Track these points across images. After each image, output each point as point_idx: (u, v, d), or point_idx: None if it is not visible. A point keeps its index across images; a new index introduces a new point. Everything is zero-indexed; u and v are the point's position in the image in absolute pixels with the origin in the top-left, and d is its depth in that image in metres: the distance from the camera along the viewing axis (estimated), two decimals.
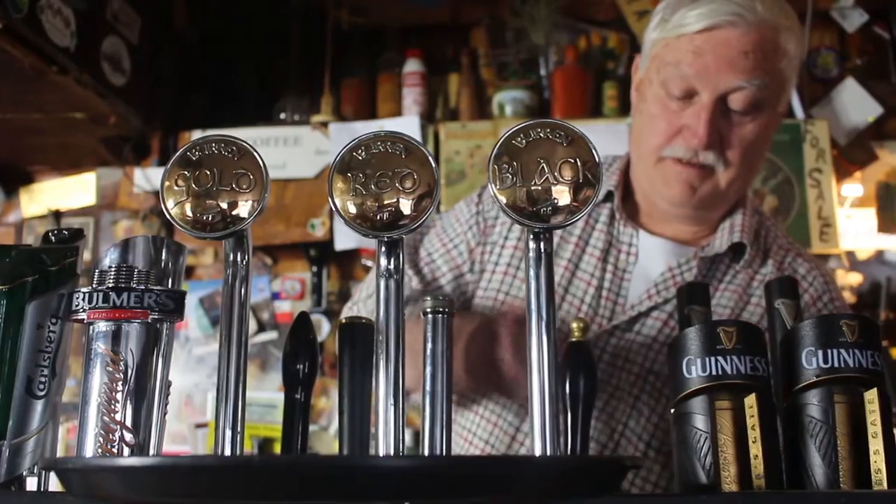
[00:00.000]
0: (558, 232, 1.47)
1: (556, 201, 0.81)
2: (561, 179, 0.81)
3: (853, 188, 3.24)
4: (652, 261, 1.48)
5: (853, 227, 3.21)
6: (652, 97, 1.44)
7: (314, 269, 3.27)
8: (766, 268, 1.48)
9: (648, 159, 1.45)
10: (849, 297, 3.18)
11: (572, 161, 0.82)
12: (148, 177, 3.36)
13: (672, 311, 1.43)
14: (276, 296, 3.30)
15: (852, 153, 3.24)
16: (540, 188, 0.81)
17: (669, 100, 1.40)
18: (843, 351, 0.86)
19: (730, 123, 1.37)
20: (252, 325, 3.12)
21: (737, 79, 1.34)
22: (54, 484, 0.90)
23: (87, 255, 0.95)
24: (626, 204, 1.54)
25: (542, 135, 0.83)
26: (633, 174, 1.54)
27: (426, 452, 0.86)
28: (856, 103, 3.22)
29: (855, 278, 3.24)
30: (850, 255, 3.23)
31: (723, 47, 1.34)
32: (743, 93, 1.34)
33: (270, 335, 3.27)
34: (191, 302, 3.18)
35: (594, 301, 1.46)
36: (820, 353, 0.86)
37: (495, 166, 0.82)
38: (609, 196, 1.52)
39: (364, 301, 1.56)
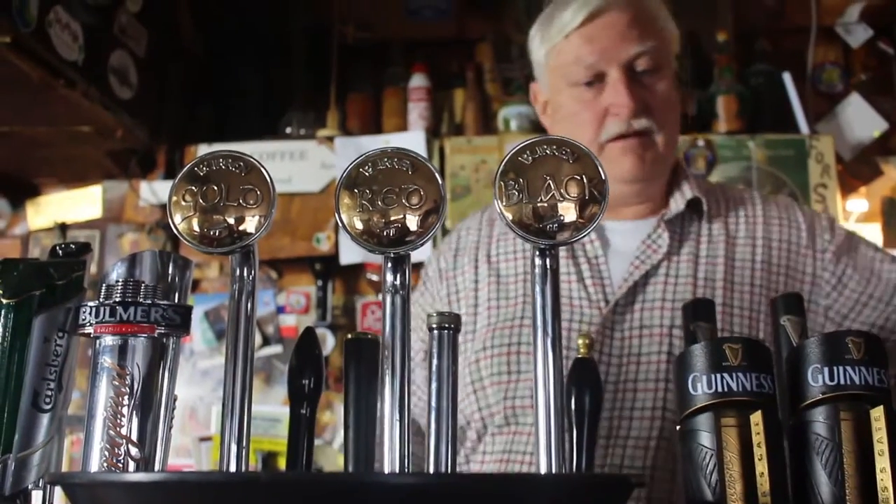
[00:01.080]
0: (514, 253, 1.57)
1: (562, 218, 0.81)
2: (567, 196, 0.81)
3: (858, 203, 3.24)
4: (623, 240, 1.54)
5: None
6: (566, 100, 1.52)
7: (319, 283, 3.27)
8: (742, 210, 1.57)
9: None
10: None
11: (578, 178, 0.82)
12: (154, 190, 3.37)
13: (667, 273, 1.48)
14: (280, 309, 3.31)
15: (857, 168, 3.24)
16: (546, 205, 0.81)
17: (583, 91, 1.48)
18: (849, 368, 0.86)
19: (644, 89, 1.47)
20: (257, 338, 3.12)
21: (633, 47, 1.45)
22: (59, 498, 0.90)
23: (92, 269, 0.96)
24: None
25: (548, 151, 0.83)
26: None
27: (432, 469, 0.86)
28: (861, 118, 3.23)
29: None
30: None
31: (609, 28, 1.46)
32: (644, 57, 1.45)
33: (275, 349, 3.27)
34: (196, 315, 3.18)
35: (581, 292, 1.49)
36: (826, 370, 0.86)
37: (501, 183, 0.82)
38: None
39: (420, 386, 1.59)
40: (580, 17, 1.47)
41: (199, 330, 3.28)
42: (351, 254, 3.15)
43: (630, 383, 1.41)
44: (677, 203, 1.54)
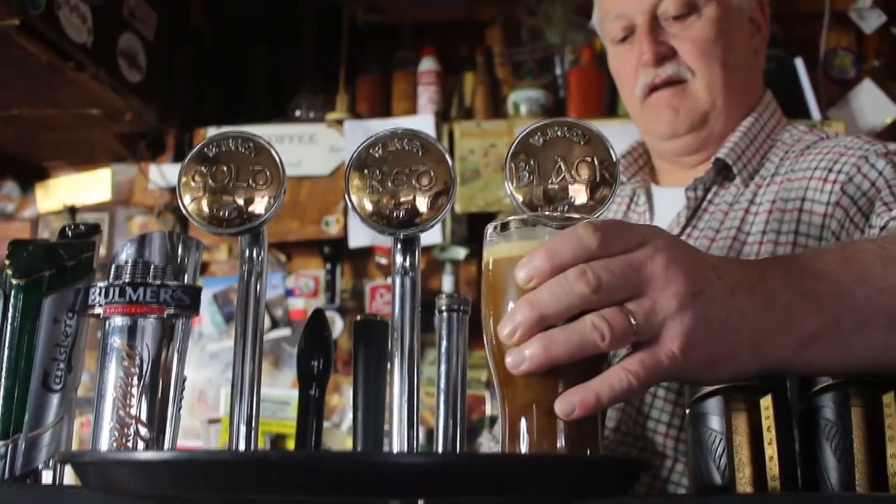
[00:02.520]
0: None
1: (572, 200, 0.80)
2: (578, 178, 0.81)
3: None
4: (665, 208, 1.45)
5: None
6: (612, 61, 1.49)
7: (328, 266, 3.27)
8: (771, 163, 1.39)
9: (636, 110, 1.46)
10: None
11: (589, 160, 0.82)
12: (163, 173, 3.37)
13: (706, 227, 1.36)
14: (289, 293, 3.31)
15: None
16: (557, 187, 0.81)
17: (620, 48, 1.44)
18: None
19: (676, 33, 1.38)
20: (266, 321, 3.12)
21: None
22: (69, 477, 0.90)
23: (102, 251, 0.96)
24: (652, 172, 1.55)
25: (559, 133, 0.83)
26: (644, 139, 1.55)
27: (440, 450, 0.86)
28: (873, 105, 3.20)
29: None
30: None
31: None
32: (669, 1, 1.37)
33: (284, 332, 3.27)
34: (205, 298, 3.19)
35: None
36: None
37: (512, 164, 0.82)
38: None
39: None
40: None
41: (208, 313, 3.29)
42: (360, 237, 3.15)
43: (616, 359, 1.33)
44: (706, 165, 1.42)
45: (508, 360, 0.74)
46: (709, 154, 1.43)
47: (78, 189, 3.59)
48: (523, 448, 0.74)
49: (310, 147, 3.23)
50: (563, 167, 0.81)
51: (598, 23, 1.53)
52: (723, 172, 1.41)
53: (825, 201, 1.27)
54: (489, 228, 0.84)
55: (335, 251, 3.26)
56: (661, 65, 1.38)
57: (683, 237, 1.38)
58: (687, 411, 0.90)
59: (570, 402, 0.72)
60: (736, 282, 0.75)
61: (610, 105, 3.24)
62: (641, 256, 0.73)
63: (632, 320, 0.71)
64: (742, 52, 1.45)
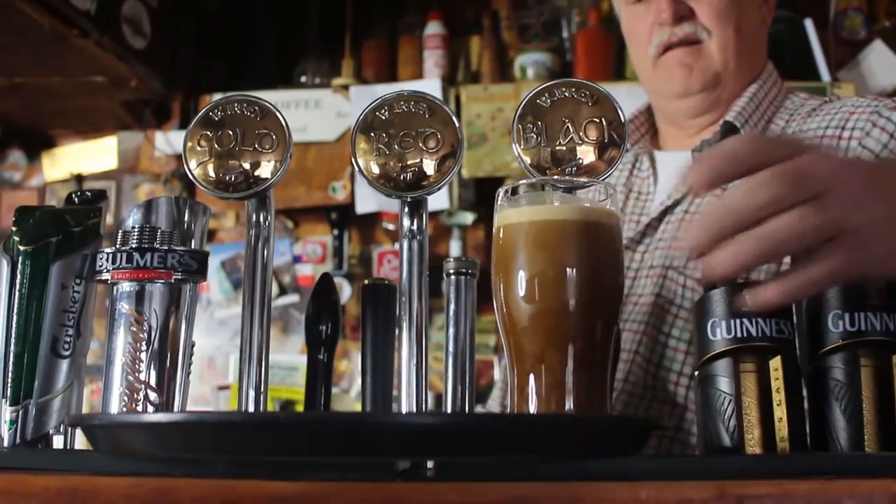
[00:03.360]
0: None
1: (580, 161, 0.80)
2: (586, 139, 0.80)
3: None
4: (673, 172, 1.45)
5: None
6: (625, 21, 1.49)
7: (335, 232, 3.27)
8: (786, 127, 1.42)
9: (648, 70, 1.45)
10: None
11: (597, 121, 0.81)
12: (169, 140, 3.37)
13: (686, 210, 1.38)
14: (297, 259, 3.31)
15: None
16: (564, 148, 0.80)
17: (634, 8, 1.44)
18: (870, 314, 0.85)
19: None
20: (274, 288, 3.13)
21: None
22: (80, 443, 0.91)
23: (109, 219, 0.96)
24: (654, 139, 1.55)
25: (566, 94, 0.82)
26: (652, 102, 1.55)
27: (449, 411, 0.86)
28: (884, 66, 3.17)
29: None
30: None
31: None
32: None
33: (292, 298, 3.28)
34: (212, 265, 3.19)
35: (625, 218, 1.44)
36: (847, 315, 0.85)
37: (519, 126, 0.81)
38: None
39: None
40: None
41: (216, 280, 3.30)
42: (367, 202, 3.14)
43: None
44: (713, 128, 1.43)
45: (708, 271, 0.77)
46: (716, 117, 1.44)
47: (84, 157, 3.59)
48: (532, 408, 0.74)
49: (316, 113, 3.22)
50: (570, 128, 0.81)
51: None
52: (729, 135, 1.40)
53: None
54: (499, 193, 0.84)
55: (342, 217, 3.25)
56: (678, 24, 1.38)
57: (691, 199, 1.38)
58: (696, 373, 0.90)
59: (766, 292, 0.78)
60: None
61: (617, 68, 3.22)
62: (813, 159, 0.76)
63: (817, 218, 0.74)
64: (753, 20, 1.46)
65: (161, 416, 0.73)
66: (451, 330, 0.90)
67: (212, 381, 3.23)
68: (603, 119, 0.81)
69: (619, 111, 0.81)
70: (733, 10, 1.41)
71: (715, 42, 1.39)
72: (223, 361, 3.26)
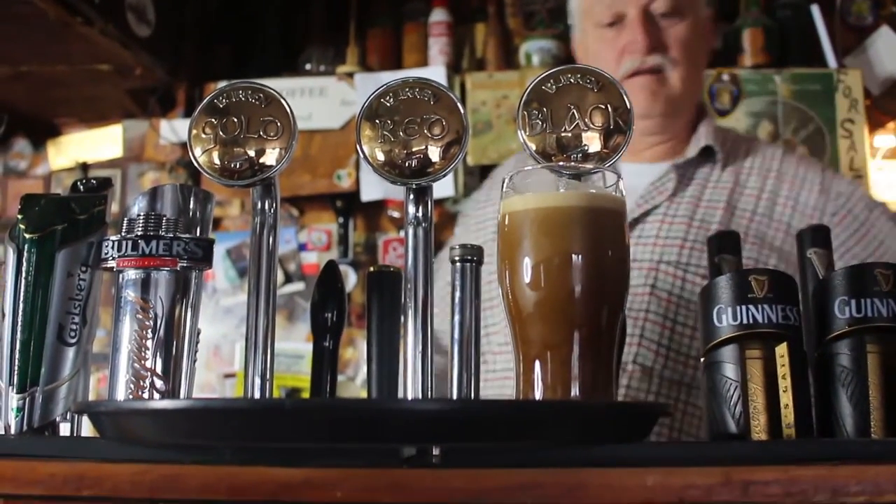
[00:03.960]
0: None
1: (586, 148, 0.80)
2: (591, 126, 0.80)
3: (886, 139, 3.19)
4: (635, 180, 1.58)
5: (885, 179, 3.16)
6: (592, 41, 1.63)
7: (340, 220, 3.27)
8: (758, 162, 1.62)
9: None
10: None
11: (603, 107, 0.81)
12: (174, 128, 3.36)
13: (666, 212, 1.55)
14: (302, 247, 3.31)
15: (886, 103, 3.18)
16: (570, 135, 0.80)
17: (605, 31, 1.58)
18: (876, 300, 0.85)
19: (662, 29, 1.55)
20: (279, 276, 3.13)
21: None
22: (86, 430, 0.91)
23: (114, 208, 0.96)
24: None
25: (572, 80, 0.82)
26: None
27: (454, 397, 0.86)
28: (891, 52, 3.15)
29: None
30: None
31: None
32: (660, 0, 1.54)
33: (297, 286, 3.28)
34: (218, 253, 3.19)
35: None
36: (853, 302, 0.85)
37: (524, 112, 0.81)
38: None
39: None
40: None
41: (222, 268, 3.30)
42: (372, 190, 3.14)
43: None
44: (693, 148, 1.60)
45: None
46: (666, 138, 1.63)
47: (89, 146, 3.58)
48: (537, 395, 0.74)
49: (320, 100, 3.22)
50: (576, 114, 0.80)
51: (578, 6, 1.68)
52: (706, 155, 1.60)
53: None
54: (504, 181, 0.84)
55: (347, 205, 3.25)
56: (649, 53, 1.54)
57: (674, 204, 1.56)
58: (702, 360, 0.90)
59: None
60: None
61: None
62: None
63: None
64: (703, 59, 1.67)
65: (167, 403, 0.73)
66: (457, 317, 0.90)
67: (217, 368, 3.23)
68: (608, 105, 0.81)
69: (624, 97, 0.81)
70: (693, 47, 1.59)
71: (678, 73, 1.56)
72: (229, 349, 3.26)
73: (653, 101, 1.56)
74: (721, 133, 1.66)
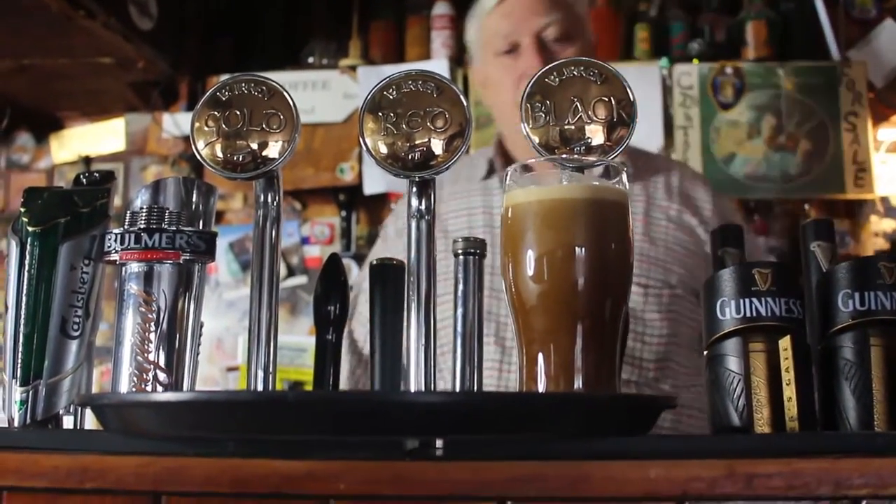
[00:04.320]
0: (459, 211, 1.76)
1: (589, 140, 0.79)
2: (594, 118, 0.80)
3: (890, 132, 3.18)
4: None
5: (889, 173, 3.16)
6: (492, 70, 1.74)
7: (343, 213, 3.27)
8: (663, 177, 1.75)
9: (508, 111, 1.69)
10: (882, 244, 3.14)
11: (606, 100, 0.80)
12: (177, 122, 3.36)
13: None
14: (305, 240, 3.31)
15: (890, 97, 3.17)
16: (573, 127, 0.80)
17: (503, 59, 1.70)
18: (880, 293, 0.84)
19: (555, 53, 1.66)
20: (282, 269, 3.13)
21: (543, 18, 1.67)
22: (90, 423, 0.91)
23: (117, 201, 0.96)
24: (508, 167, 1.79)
25: (575, 73, 0.82)
26: (508, 144, 1.80)
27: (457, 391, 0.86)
28: (895, 45, 3.15)
29: (889, 224, 3.19)
30: (885, 200, 3.18)
31: (521, 4, 1.70)
32: (553, 27, 1.67)
33: (300, 279, 3.28)
34: (220, 246, 3.19)
35: None
36: (857, 295, 0.85)
37: (528, 105, 0.81)
38: (492, 168, 1.79)
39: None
40: None
41: (224, 261, 3.30)
42: (375, 183, 3.14)
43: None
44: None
45: None
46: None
47: (92, 139, 3.59)
48: (540, 387, 0.74)
49: (323, 94, 3.21)
50: (579, 107, 0.80)
51: (477, 38, 1.80)
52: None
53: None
54: (507, 173, 0.83)
55: (350, 198, 3.25)
56: None
57: None
58: (705, 353, 0.90)
59: None
60: None
61: (626, 47, 3.21)
62: None
63: None
64: None
65: (171, 396, 0.73)
66: (460, 310, 0.90)
67: (220, 362, 3.24)
68: (612, 98, 0.81)
69: (628, 90, 0.80)
70: None
71: None
72: (232, 343, 3.27)
73: None
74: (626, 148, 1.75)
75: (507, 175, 0.83)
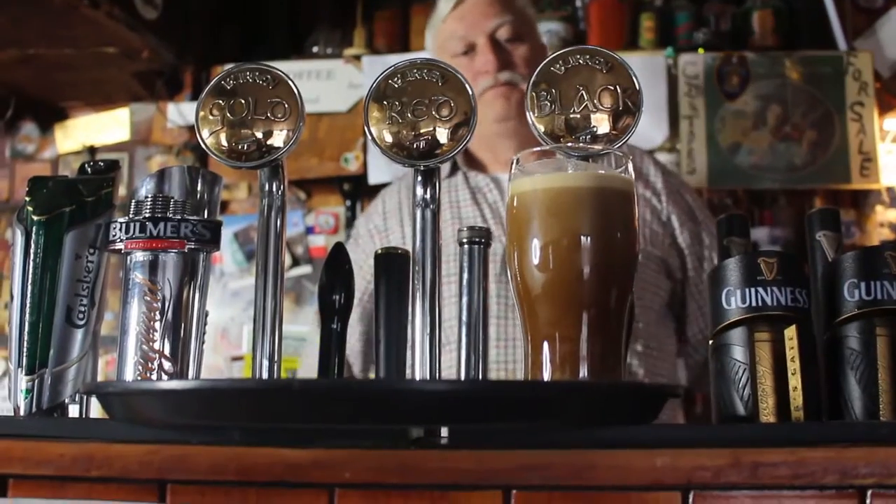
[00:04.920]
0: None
1: (595, 129, 0.79)
2: (600, 107, 0.80)
3: None
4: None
5: (894, 162, 3.15)
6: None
7: (348, 203, 3.27)
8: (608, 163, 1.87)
9: None
10: (887, 234, 3.13)
11: (612, 88, 0.80)
12: (181, 111, 3.36)
13: None
14: (310, 230, 3.31)
15: None
16: (579, 116, 0.80)
17: (460, 60, 1.79)
18: (886, 283, 0.84)
19: (509, 52, 1.79)
20: (286, 259, 3.13)
21: (495, 19, 1.79)
22: (95, 413, 0.91)
23: (121, 191, 0.96)
24: (471, 165, 1.89)
25: (581, 61, 0.82)
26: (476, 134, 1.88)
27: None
28: None
29: (895, 214, 3.18)
30: (891, 190, 3.17)
31: (474, 7, 1.82)
32: (505, 27, 1.79)
33: (305, 269, 3.28)
34: (225, 236, 3.17)
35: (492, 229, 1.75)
36: (862, 284, 0.85)
37: (533, 94, 0.80)
38: (455, 166, 1.87)
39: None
40: (452, 2, 1.84)
41: (229, 251, 3.30)
42: (379, 173, 3.13)
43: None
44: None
45: None
46: (521, 141, 1.77)
47: (96, 129, 3.59)
48: (545, 376, 0.74)
49: (328, 83, 3.21)
50: (585, 96, 0.80)
51: (434, 45, 1.91)
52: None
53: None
54: (513, 162, 0.83)
55: (355, 188, 3.25)
56: (500, 71, 1.77)
57: None
58: (710, 342, 0.90)
59: None
60: None
61: (631, 37, 3.20)
62: None
63: None
64: None
65: (176, 384, 0.73)
66: (465, 299, 0.90)
67: (225, 351, 3.24)
68: (617, 86, 0.80)
69: (633, 78, 0.80)
70: (538, 64, 1.66)
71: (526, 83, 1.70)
72: (236, 332, 3.27)
73: (507, 106, 1.76)
74: None
75: (512, 164, 0.83)
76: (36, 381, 0.87)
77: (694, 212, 1.85)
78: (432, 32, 1.94)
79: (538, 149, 0.81)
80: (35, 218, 0.89)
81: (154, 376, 0.84)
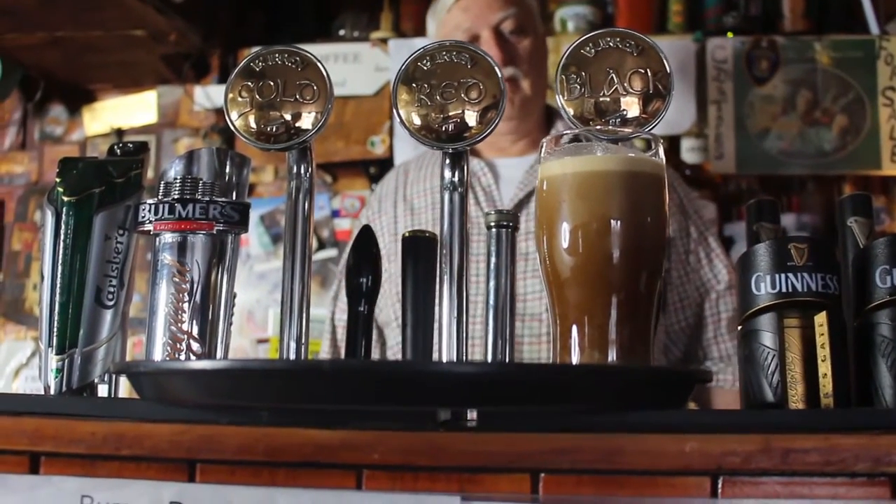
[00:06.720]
0: (425, 190, 1.87)
1: (625, 113, 0.79)
2: (630, 90, 0.79)
3: None
4: (511, 171, 1.85)
5: None
6: None
7: (373, 186, 3.26)
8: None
9: None
10: None
11: (642, 71, 0.80)
12: (208, 94, 3.37)
13: None
14: (335, 213, 3.32)
15: None
16: (608, 99, 0.79)
17: None
18: None
19: (512, 45, 1.82)
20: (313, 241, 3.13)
21: (500, 12, 1.82)
22: (123, 393, 0.92)
23: (149, 174, 0.96)
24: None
25: (611, 44, 0.81)
26: None
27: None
28: None
29: None
30: None
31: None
32: (508, 20, 1.82)
33: (331, 252, 3.29)
34: (252, 219, 3.19)
35: (480, 208, 1.81)
36: (894, 271, 0.84)
37: (563, 76, 0.80)
38: None
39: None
40: None
41: (256, 234, 3.31)
42: (405, 156, 3.12)
43: (520, 283, 1.69)
44: (521, 143, 1.88)
45: None
46: (522, 136, 1.88)
47: (124, 112, 3.60)
48: (574, 360, 0.74)
49: (354, 67, 3.21)
50: (615, 79, 0.79)
51: (437, 32, 1.92)
52: None
53: None
54: (542, 145, 0.83)
55: (381, 171, 3.24)
56: (505, 67, 1.76)
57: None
58: (739, 328, 0.89)
59: None
60: None
61: (659, 20, 3.17)
62: None
63: None
64: (545, 69, 1.95)
65: (206, 364, 0.73)
66: (492, 283, 0.90)
67: (251, 334, 3.26)
68: (648, 70, 0.80)
69: (664, 61, 0.80)
70: (539, 58, 1.88)
71: (528, 81, 1.83)
72: (262, 315, 3.28)
73: (510, 105, 1.77)
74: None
75: (541, 147, 0.82)
76: (66, 361, 0.88)
77: (684, 205, 1.86)
78: (435, 21, 1.95)
79: (567, 132, 0.81)
80: (65, 199, 0.90)
81: (182, 357, 0.84)
